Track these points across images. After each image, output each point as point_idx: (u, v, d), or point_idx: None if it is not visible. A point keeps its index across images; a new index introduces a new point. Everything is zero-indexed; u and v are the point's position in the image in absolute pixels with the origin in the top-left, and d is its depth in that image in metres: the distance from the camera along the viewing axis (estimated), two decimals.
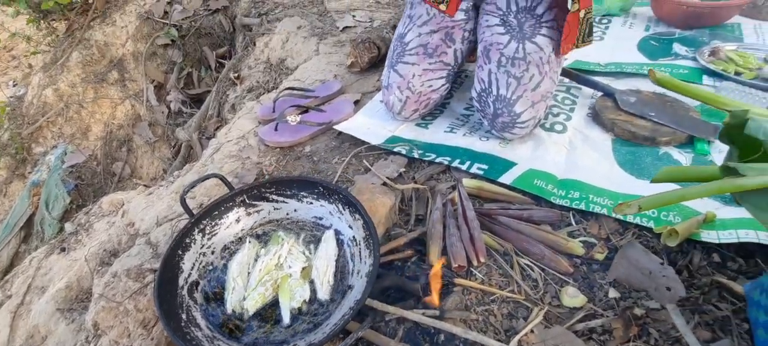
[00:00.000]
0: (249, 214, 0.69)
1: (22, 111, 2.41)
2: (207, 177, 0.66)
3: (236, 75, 1.76)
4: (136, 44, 2.18)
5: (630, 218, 0.75)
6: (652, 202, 0.47)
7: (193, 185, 0.65)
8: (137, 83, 2.30)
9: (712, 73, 1.07)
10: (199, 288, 0.62)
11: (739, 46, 1.15)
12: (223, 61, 2.11)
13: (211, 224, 0.65)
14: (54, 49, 2.30)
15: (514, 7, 0.91)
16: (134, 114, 2.36)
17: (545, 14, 0.89)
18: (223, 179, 0.66)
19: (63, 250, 1.11)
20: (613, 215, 0.73)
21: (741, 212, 0.72)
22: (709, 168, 0.48)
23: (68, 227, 1.22)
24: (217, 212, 0.66)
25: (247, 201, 0.68)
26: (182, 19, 2.08)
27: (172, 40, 2.11)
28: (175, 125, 2.30)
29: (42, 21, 2.38)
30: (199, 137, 1.80)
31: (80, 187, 2.29)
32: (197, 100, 2.25)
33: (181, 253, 0.60)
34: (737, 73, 1.05)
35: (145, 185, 1.62)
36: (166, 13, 2.12)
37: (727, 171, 0.46)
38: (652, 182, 0.52)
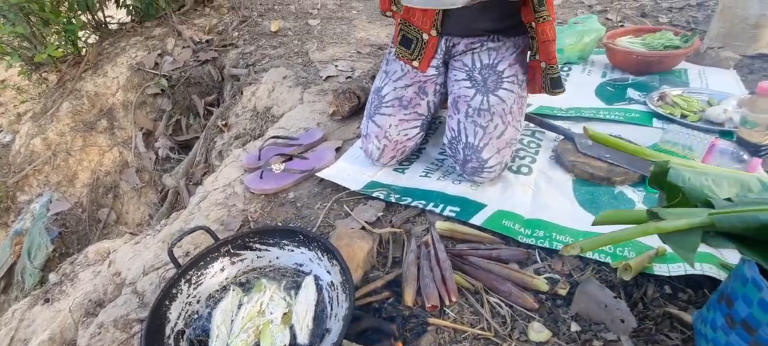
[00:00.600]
0: (233, 263, 0.74)
1: (8, 160, 2.42)
2: (194, 230, 0.71)
3: (224, 122, 1.82)
4: (127, 94, 2.24)
5: (589, 255, 0.81)
6: (591, 243, 0.54)
7: (180, 238, 0.69)
8: (126, 131, 2.35)
9: (661, 117, 1.18)
10: (185, 337, 0.65)
11: (684, 91, 1.27)
12: (211, 108, 2.18)
13: (197, 273, 0.69)
14: (44, 99, 2.35)
15: (478, 64, 1.01)
16: (122, 161, 2.39)
17: (506, 70, 0.99)
18: (209, 230, 0.71)
19: (47, 301, 1.11)
20: (564, 254, 0.79)
21: None
22: (638, 212, 0.55)
23: (52, 277, 1.23)
24: (202, 262, 0.70)
25: (232, 251, 0.73)
26: (172, 70, 2.16)
27: (162, 90, 2.18)
28: (162, 171, 2.33)
29: (33, 73, 2.45)
30: (186, 183, 1.84)
31: (64, 235, 2.27)
32: (185, 147, 2.30)
33: (168, 303, 0.63)
34: (683, 116, 1.16)
35: (131, 233, 1.63)
36: (156, 64, 2.21)
37: (651, 215, 0.53)
38: (592, 224, 0.59)
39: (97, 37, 2.51)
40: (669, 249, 0.79)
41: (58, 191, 2.36)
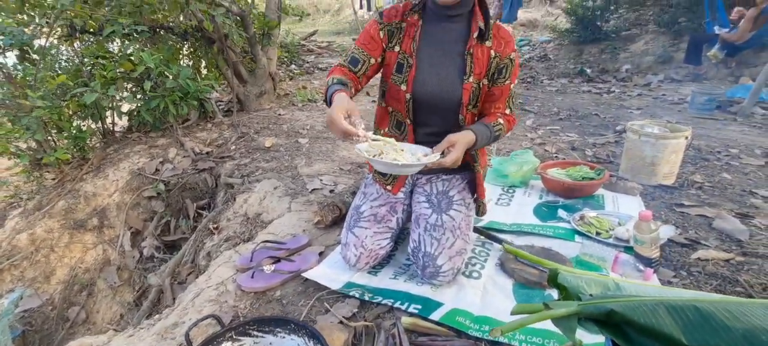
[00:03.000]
0: None
1: None
2: (206, 318, 0.87)
3: (215, 225, 2.01)
4: (123, 195, 2.42)
5: None
6: (507, 327, 0.75)
7: (195, 323, 0.85)
8: (114, 230, 2.47)
9: (581, 234, 1.48)
10: None
11: (598, 213, 1.61)
12: (201, 212, 2.37)
13: None
14: (40, 197, 2.48)
15: (435, 191, 1.31)
16: (104, 258, 2.46)
17: (455, 196, 1.29)
18: (217, 318, 0.88)
19: None
20: (491, 338, 0.98)
21: (596, 338, 1.01)
22: (538, 305, 0.79)
23: None
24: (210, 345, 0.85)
25: (234, 336, 0.88)
26: (171, 176, 2.39)
27: (158, 193, 2.38)
28: (143, 270, 2.40)
29: (34, 172, 2.62)
30: (171, 283, 1.93)
31: (27, 333, 2.23)
32: (170, 247, 2.42)
33: None
34: (597, 234, 1.47)
35: (114, 329, 1.68)
36: (157, 170, 2.44)
37: (545, 306, 0.76)
38: (511, 313, 0.81)
39: (103, 143, 2.76)
40: (585, 340, 1.01)
41: (32, 286, 2.36)
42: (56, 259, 2.43)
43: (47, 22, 2.20)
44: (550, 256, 1.35)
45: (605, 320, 0.72)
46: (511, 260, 1.33)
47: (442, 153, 1.11)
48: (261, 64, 3.16)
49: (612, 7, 5.98)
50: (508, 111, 1.25)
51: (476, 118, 1.26)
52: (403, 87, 1.20)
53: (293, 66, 5.17)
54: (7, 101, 2.18)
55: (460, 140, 1.10)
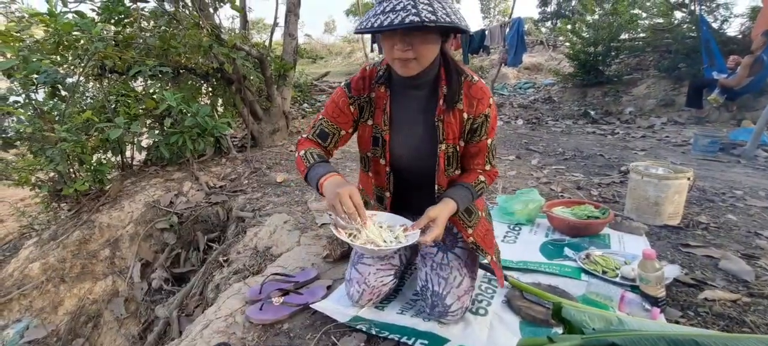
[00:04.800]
0: None
1: None
2: (217, 345, 0.90)
3: (225, 258, 2.05)
4: (137, 227, 2.48)
5: None
6: None
7: None
8: (125, 261, 2.51)
9: (587, 272, 1.49)
10: None
11: (604, 252, 1.62)
12: (211, 244, 2.41)
13: None
14: (56, 227, 2.55)
15: None
16: (113, 289, 2.49)
17: (459, 233, 1.32)
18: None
19: None
20: None
21: None
22: (542, 339, 0.80)
23: None
24: None
25: None
26: (184, 209, 2.46)
27: (171, 225, 2.44)
28: (151, 302, 2.42)
29: (52, 202, 2.71)
30: (178, 315, 1.95)
31: None
32: (179, 279, 2.45)
33: None
34: (603, 272, 1.48)
35: None
36: (171, 203, 2.51)
37: (549, 340, 0.78)
38: None
39: (121, 175, 2.86)
40: None
41: (39, 317, 2.38)
42: (66, 289, 2.46)
43: (80, 63, 2.37)
44: (557, 294, 1.36)
45: None
46: (517, 297, 1.34)
47: (422, 230, 1.10)
48: (276, 103, 3.30)
49: (613, 53, 6.19)
50: (488, 167, 1.21)
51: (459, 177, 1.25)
52: (383, 161, 1.22)
53: (306, 105, 5.36)
54: (36, 134, 2.30)
55: (441, 214, 1.09)
